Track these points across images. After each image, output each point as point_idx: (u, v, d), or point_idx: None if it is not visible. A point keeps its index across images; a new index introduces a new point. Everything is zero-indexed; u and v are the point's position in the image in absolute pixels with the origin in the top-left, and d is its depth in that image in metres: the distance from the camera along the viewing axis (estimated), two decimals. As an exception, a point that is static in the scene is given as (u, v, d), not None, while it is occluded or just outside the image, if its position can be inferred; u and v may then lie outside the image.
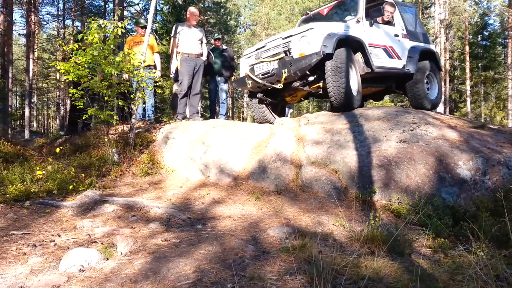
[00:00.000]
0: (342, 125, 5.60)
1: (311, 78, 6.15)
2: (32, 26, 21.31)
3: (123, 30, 6.00)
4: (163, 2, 17.29)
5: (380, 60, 6.70)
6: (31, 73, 21.13)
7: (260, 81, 6.32)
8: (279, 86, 6.20)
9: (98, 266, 2.68)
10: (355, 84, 6.20)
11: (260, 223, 3.74)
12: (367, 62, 6.37)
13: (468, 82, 25.64)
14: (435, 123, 5.25)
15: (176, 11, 16.25)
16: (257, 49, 6.60)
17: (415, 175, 4.42)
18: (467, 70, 25.75)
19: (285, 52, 6.01)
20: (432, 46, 8.08)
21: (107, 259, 2.81)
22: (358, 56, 6.46)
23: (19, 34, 27.45)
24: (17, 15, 26.47)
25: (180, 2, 16.36)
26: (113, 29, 5.86)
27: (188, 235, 3.35)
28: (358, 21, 6.52)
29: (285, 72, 5.85)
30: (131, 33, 14.60)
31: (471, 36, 27.52)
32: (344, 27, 6.30)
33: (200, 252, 2.85)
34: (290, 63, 5.79)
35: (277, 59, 6.03)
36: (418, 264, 2.72)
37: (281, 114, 7.57)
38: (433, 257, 3.07)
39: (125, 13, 19.45)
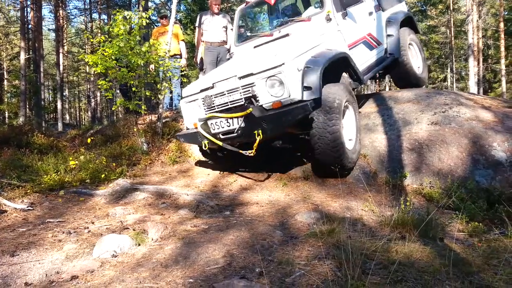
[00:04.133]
0: (370, 108, 5.49)
1: None
2: (61, 20, 21.80)
3: (148, 21, 6.05)
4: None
5: (362, 60, 5.16)
6: (61, 67, 21.70)
7: (220, 143, 4.37)
8: (251, 153, 4.23)
9: (130, 252, 2.75)
10: (352, 130, 4.53)
11: (287, 209, 3.74)
12: (355, 76, 4.74)
13: (503, 61, 24.55)
14: (468, 104, 5.07)
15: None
16: (202, 90, 4.47)
17: (447, 158, 4.30)
18: (502, 49, 24.62)
19: (248, 99, 4.09)
20: (404, 5, 6.60)
21: (139, 244, 2.88)
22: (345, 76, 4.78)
23: (49, 29, 28.10)
24: (46, 10, 27.10)
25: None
26: (137, 20, 5.93)
27: (216, 221, 3.39)
28: (329, 19, 4.73)
29: (258, 134, 3.96)
30: (156, 24, 14.74)
31: (506, 13, 26.21)
32: (316, 37, 4.50)
33: (229, 237, 2.87)
34: (264, 121, 3.92)
35: (242, 115, 4.04)
36: (451, 248, 2.65)
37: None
38: (466, 242, 2.99)
39: (150, 3, 19.60)
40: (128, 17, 5.89)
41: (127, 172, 5.19)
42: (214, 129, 4.37)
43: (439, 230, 3.02)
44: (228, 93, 4.22)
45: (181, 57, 7.86)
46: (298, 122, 3.93)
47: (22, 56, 15.76)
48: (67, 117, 30.06)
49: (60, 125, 18.92)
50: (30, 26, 19.45)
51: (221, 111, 4.31)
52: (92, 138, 6.50)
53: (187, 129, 4.91)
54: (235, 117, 4.10)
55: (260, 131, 3.95)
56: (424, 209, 3.53)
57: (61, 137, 7.78)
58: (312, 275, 2.20)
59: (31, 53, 19.31)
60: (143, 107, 6.02)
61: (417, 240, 2.76)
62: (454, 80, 27.67)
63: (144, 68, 6.17)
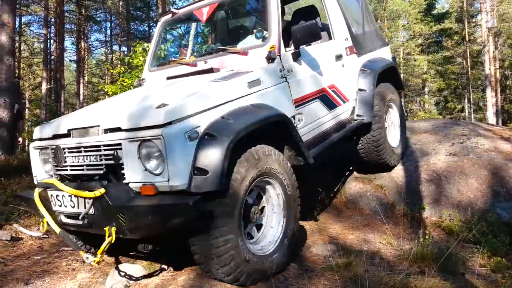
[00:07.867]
0: (386, 139, 5.44)
1: None
2: (82, 52, 22.62)
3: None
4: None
5: (315, 124, 3.50)
6: (81, 97, 22.33)
7: (58, 230, 2.63)
8: (94, 261, 2.46)
9: (143, 282, 2.72)
10: (273, 225, 2.79)
11: (302, 241, 3.67)
12: (299, 152, 3.00)
13: (521, 91, 24.38)
14: (486, 134, 5.00)
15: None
16: (56, 137, 2.82)
17: (467, 190, 4.20)
18: (520, 79, 24.51)
19: (111, 168, 2.47)
20: (388, 50, 5.03)
21: (152, 275, 2.85)
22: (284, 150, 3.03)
23: (70, 60, 29.11)
24: (68, 42, 28.03)
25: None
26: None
27: (230, 252, 3.34)
28: (271, 58, 3.11)
29: (110, 234, 2.28)
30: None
31: (522, 43, 26.23)
32: (244, 82, 2.82)
33: (243, 269, 2.82)
34: (122, 214, 2.25)
35: (90, 197, 2.33)
36: (473, 284, 2.56)
37: None
38: (489, 277, 2.88)
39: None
40: (147, 48, 6.07)
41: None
42: (55, 205, 2.63)
43: (459, 265, 2.92)
44: (85, 151, 2.55)
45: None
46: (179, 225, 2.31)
47: (44, 86, 16.30)
48: (85, 145, 30.56)
49: (78, 153, 19.20)
50: (52, 57, 20.18)
51: (68, 179, 2.74)
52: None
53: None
54: (80, 197, 2.40)
55: (113, 227, 2.29)
56: (444, 242, 3.43)
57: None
58: (329, 311, 2.14)
59: (52, 83, 19.94)
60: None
61: (437, 275, 2.68)
62: (472, 110, 27.46)
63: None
